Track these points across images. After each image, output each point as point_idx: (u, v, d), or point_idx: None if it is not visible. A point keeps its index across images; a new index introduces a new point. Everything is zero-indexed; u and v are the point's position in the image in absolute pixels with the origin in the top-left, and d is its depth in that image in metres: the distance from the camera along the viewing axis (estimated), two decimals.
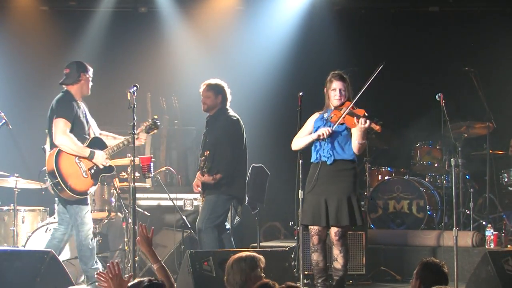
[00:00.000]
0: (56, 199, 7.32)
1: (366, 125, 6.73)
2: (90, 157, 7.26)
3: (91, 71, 7.45)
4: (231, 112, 7.92)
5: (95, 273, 4.61)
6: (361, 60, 10.33)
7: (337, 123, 6.89)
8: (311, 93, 7.92)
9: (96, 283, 4.77)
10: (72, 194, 7.14)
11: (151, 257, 5.06)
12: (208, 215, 7.72)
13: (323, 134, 6.92)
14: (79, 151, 7.20)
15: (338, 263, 6.99)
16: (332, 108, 7.04)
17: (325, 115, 7.04)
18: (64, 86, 7.36)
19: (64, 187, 7.08)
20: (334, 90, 7.07)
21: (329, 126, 6.93)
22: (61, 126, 7.12)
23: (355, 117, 6.77)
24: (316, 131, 7.03)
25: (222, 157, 7.74)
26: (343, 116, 6.82)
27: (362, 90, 6.95)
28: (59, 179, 7.08)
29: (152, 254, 5.06)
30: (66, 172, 7.12)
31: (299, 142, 7.10)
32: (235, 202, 7.88)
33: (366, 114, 6.78)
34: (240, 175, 7.88)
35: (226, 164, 7.74)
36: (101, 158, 7.32)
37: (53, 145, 7.16)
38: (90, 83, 7.44)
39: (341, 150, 6.98)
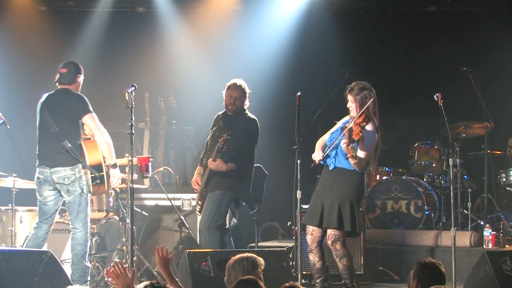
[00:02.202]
0: (52, 200, 7.23)
1: (344, 147, 6.74)
2: (112, 166, 7.34)
3: (83, 73, 7.44)
4: (250, 113, 7.96)
5: (105, 270, 4.70)
6: (359, 60, 10.37)
7: (341, 135, 6.94)
8: (309, 93, 7.95)
9: (107, 279, 4.82)
10: (106, 188, 7.26)
11: (168, 279, 5.07)
12: (212, 214, 7.67)
13: (314, 158, 7.07)
14: (109, 154, 7.27)
15: (339, 268, 7.11)
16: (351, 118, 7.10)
17: (349, 121, 7.08)
18: (58, 85, 7.34)
19: (106, 180, 7.17)
20: (347, 102, 7.11)
21: (342, 136, 6.95)
22: (97, 121, 7.20)
23: (347, 137, 6.77)
24: (333, 132, 7.15)
25: (240, 150, 7.71)
26: (346, 129, 6.84)
27: (357, 116, 6.95)
28: (104, 172, 7.15)
29: (169, 276, 5.07)
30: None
31: (316, 147, 7.19)
32: (233, 205, 7.87)
33: (360, 134, 6.77)
34: (249, 177, 7.87)
35: (241, 158, 7.72)
36: (117, 173, 7.43)
37: (74, 141, 7.13)
38: (81, 86, 7.43)
39: (344, 159, 6.99)
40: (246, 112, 7.93)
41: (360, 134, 6.75)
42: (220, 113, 8.04)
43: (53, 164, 7.14)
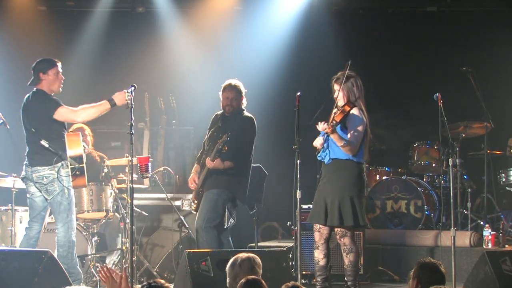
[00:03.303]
0: (39, 196, 7.25)
1: (321, 127, 6.86)
2: (112, 104, 7.27)
3: (55, 67, 7.33)
4: (247, 112, 7.97)
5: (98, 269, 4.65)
6: (358, 60, 10.33)
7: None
8: (309, 93, 7.94)
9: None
10: (86, 182, 7.27)
11: None
12: (208, 214, 7.68)
13: (316, 144, 7.10)
14: (100, 108, 7.26)
15: (344, 263, 7.11)
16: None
17: None
18: (34, 87, 7.38)
19: (85, 173, 7.21)
20: (334, 93, 7.14)
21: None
22: (66, 111, 7.21)
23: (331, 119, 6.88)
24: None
25: (238, 149, 7.72)
26: (331, 119, 6.93)
27: (338, 93, 7.08)
28: (84, 164, 7.20)
29: None
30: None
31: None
32: (229, 204, 7.86)
33: (341, 115, 6.91)
34: (246, 176, 7.87)
35: (239, 157, 7.73)
36: (121, 97, 7.29)
37: (52, 139, 7.16)
38: (60, 79, 7.37)
39: (337, 148, 7.02)
40: (243, 111, 7.94)
41: (342, 115, 6.88)
42: (219, 113, 8.05)
43: (33, 164, 7.22)
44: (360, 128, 7.01)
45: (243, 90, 7.93)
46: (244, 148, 7.80)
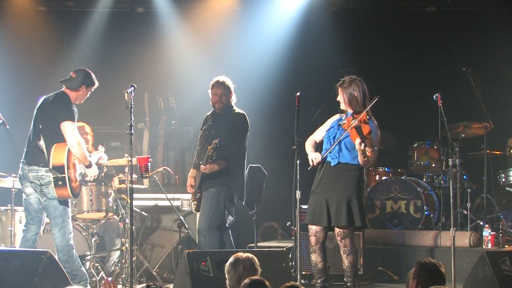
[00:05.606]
0: (34, 197, 7.19)
1: (361, 147, 6.63)
2: (87, 166, 7.30)
3: (94, 86, 7.39)
4: (238, 109, 7.97)
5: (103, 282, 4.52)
6: (358, 60, 10.36)
7: (344, 132, 6.88)
8: (309, 93, 7.94)
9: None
10: (69, 193, 7.09)
11: None
12: (211, 213, 7.68)
13: (312, 161, 6.99)
14: (83, 158, 7.22)
15: (344, 264, 7.05)
16: (349, 114, 7.03)
17: (343, 118, 7.03)
18: (63, 85, 7.33)
19: (68, 183, 7.05)
20: (337, 96, 7.11)
21: (341, 131, 6.92)
22: (72, 128, 7.09)
23: (358, 135, 6.67)
24: (329, 129, 7.09)
25: (231, 146, 7.74)
26: (350, 127, 6.75)
27: (362, 114, 6.81)
28: (66, 175, 7.06)
29: None
30: (70, 170, 7.11)
31: (306, 147, 7.15)
32: (228, 203, 7.86)
33: (371, 132, 6.69)
34: (241, 171, 7.89)
35: (234, 154, 7.75)
36: (93, 171, 7.40)
37: (50, 142, 7.11)
38: (87, 96, 7.41)
39: (348, 153, 6.95)
40: (233, 108, 7.96)
41: (371, 132, 6.71)
42: (209, 113, 8.07)
43: (30, 162, 7.16)
44: (377, 142, 6.94)
45: (231, 86, 7.95)
46: (237, 144, 7.81)
